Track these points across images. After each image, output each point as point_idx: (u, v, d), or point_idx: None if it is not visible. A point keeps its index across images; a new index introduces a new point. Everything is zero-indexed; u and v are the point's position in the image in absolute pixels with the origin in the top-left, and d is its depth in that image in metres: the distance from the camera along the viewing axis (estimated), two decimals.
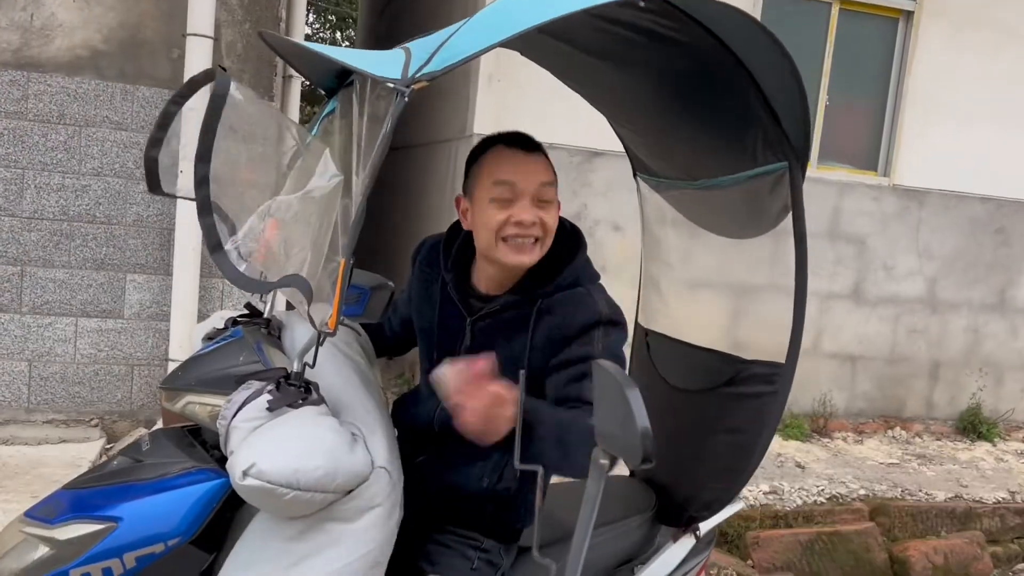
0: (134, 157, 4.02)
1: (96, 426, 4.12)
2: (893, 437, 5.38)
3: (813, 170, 5.27)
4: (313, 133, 1.93)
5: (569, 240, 1.77)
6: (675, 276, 2.40)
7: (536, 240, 1.67)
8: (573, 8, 1.33)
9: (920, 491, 4.42)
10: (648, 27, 1.60)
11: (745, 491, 4.13)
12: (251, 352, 1.73)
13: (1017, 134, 5.42)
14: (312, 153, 1.86)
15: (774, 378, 1.93)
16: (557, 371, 1.65)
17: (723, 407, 2.05)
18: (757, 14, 4.95)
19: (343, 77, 1.81)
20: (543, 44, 1.85)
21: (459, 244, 1.83)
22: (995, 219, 5.53)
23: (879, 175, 5.41)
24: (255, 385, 1.57)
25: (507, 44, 1.50)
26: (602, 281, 1.81)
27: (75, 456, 3.88)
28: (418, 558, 1.78)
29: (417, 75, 1.30)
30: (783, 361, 1.91)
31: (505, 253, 1.67)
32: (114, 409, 4.15)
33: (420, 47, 1.51)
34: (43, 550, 1.60)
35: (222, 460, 1.59)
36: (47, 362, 4.03)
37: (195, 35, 3.89)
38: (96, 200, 4.00)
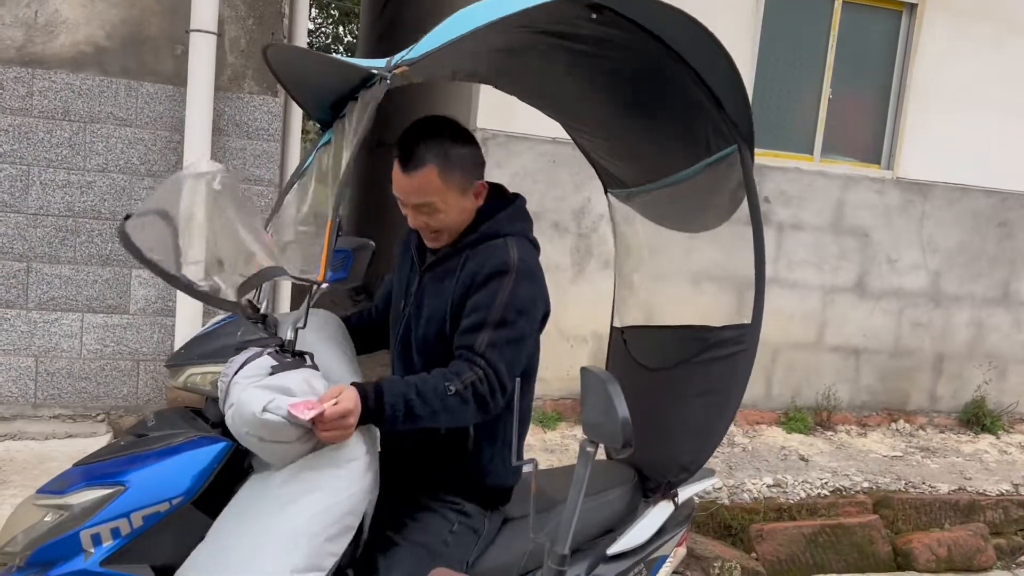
0: (139, 153, 4.03)
1: (102, 421, 4.14)
2: (897, 430, 5.38)
3: (817, 162, 5.26)
4: (310, 161, 2.03)
5: (500, 200, 1.92)
6: (646, 271, 2.56)
7: (435, 232, 1.85)
8: (530, 4, 1.51)
9: (924, 483, 4.43)
10: (597, 35, 1.76)
11: (749, 484, 4.15)
12: (248, 328, 1.87)
13: (1021, 127, 5.41)
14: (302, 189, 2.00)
15: (743, 338, 2.11)
16: (461, 319, 1.79)
17: (697, 374, 2.21)
18: (759, 12, 4.94)
19: (338, 108, 1.97)
20: (508, 70, 2.04)
21: None
22: (999, 212, 5.52)
23: (882, 168, 5.40)
24: (254, 349, 1.71)
25: (482, 80, 1.99)
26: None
27: (82, 451, 3.87)
28: (396, 526, 1.86)
29: (401, 60, 1.51)
30: (749, 322, 2.11)
31: (424, 236, 1.89)
32: (120, 404, 4.17)
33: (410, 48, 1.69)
34: (55, 516, 1.72)
35: (223, 433, 1.75)
36: (53, 357, 4.05)
37: (199, 31, 3.90)
38: (101, 196, 4.01)
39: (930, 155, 5.34)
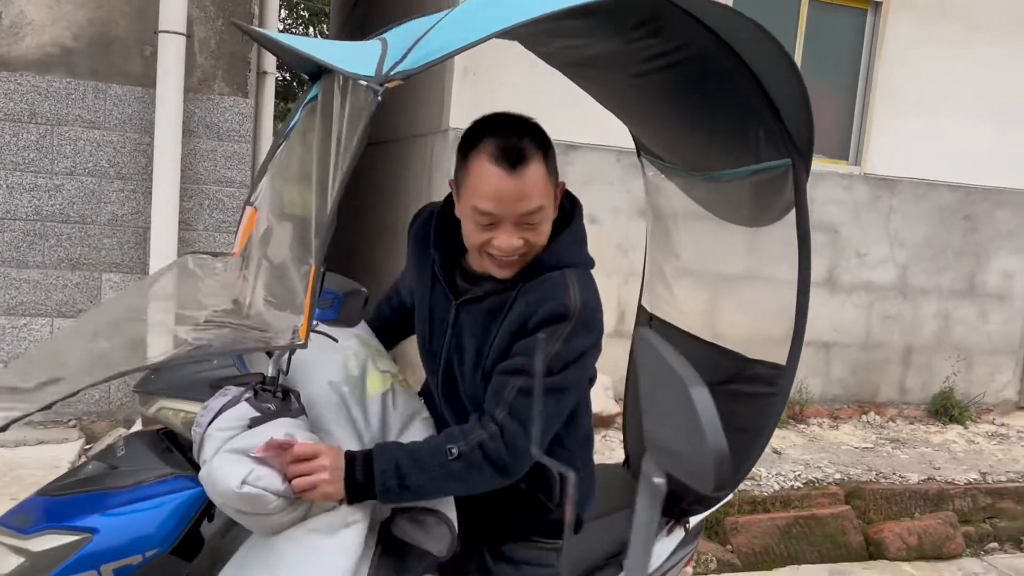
0: (107, 156, 3.99)
1: (74, 427, 4.10)
2: (868, 422, 5.47)
3: None
4: (295, 120, 1.91)
5: (563, 216, 1.64)
6: (680, 266, 2.34)
7: (521, 256, 1.57)
8: (558, 7, 1.31)
9: (894, 474, 4.50)
10: (650, 32, 1.59)
11: None
12: (223, 359, 1.73)
13: (984, 123, 5.52)
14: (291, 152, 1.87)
15: (775, 379, 1.91)
16: (499, 362, 1.56)
17: (722, 404, 2.03)
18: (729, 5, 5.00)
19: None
20: (544, 42, 1.80)
21: (453, 219, 1.69)
22: (963, 206, 5.63)
23: (850, 164, 5.49)
24: (231, 392, 1.55)
25: (505, 36, 1.42)
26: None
27: (54, 457, 3.85)
28: None
29: (391, 73, 1.27)
30: (784, 363, 1.89)
31: (487, 265, 1.59)
32: (92, 410, 4.13)
33: (397, 39, 1.48)
34: (17, 560, 1.58)
35: (198, 466, 1.56)
36: None
37: (168, 32, 3.87)
38: (70, 200, 3.96)
39: (897, 151, 5.43)
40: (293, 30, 18.14)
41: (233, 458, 1.44)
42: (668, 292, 2.40)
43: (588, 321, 1.54)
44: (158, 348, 1.71)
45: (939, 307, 5.63)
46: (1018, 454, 5.10)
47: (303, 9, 17.48)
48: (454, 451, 1.48)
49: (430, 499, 1.53)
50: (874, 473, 4.50)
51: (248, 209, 1.96)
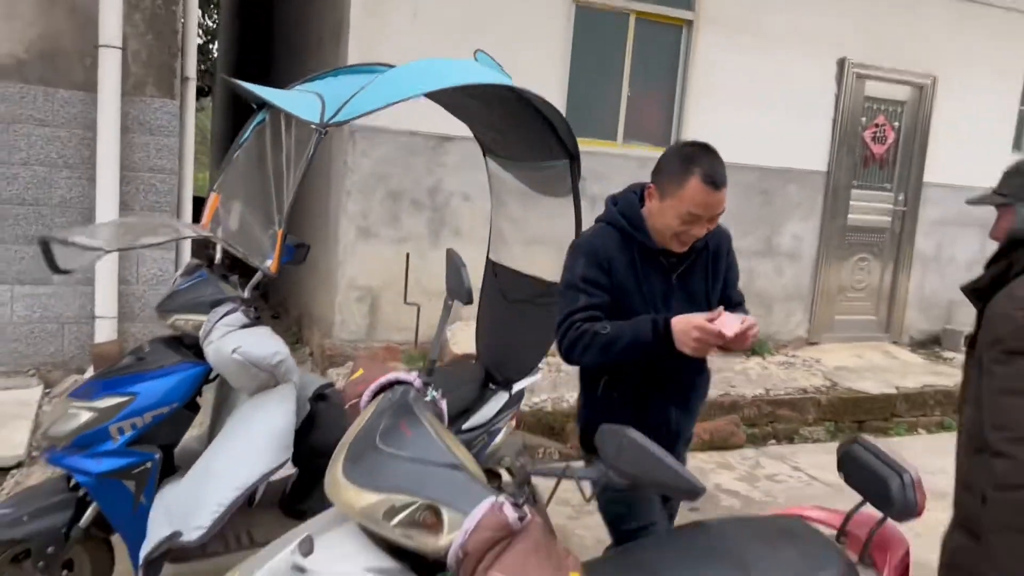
0: (56, 149, 4.78)
1: (33, 376, 4.90)
2: None
3: (620, 147, 6.59)
4: (247, 135, 2.96)
5: None
6: (512, 226, 3.49)
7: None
8: (444, 85, 2.51)
9: None
10: (491, 93, 2.79)
11: (567, 396, 5.42)
12: (216, 287, 2.79)
13: (775, 116, 6.92)
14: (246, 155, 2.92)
15: None
16: (725, 281, 2.49)
17: (536, 310, 3.29)
18: (570, 26, 6.17)
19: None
20: (436, 95, 2.93)
21: (636, 218, 2.35)
22: (761, 183, 7.05)
23: None
24: (230, 305, 2.64)
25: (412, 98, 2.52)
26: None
27: (19, 399, 4.66)
28: None
29: (330, 121, 2.34)
30: None
31: (673, 244, 2.28)
32: (48, 361, 4.94)
33: (331, 92, 2.55)
34: (88, 415, 2.60)
35: (199, 356, 2.65)
36: None
37: (106, 46, 4.69)
38: (25, 186, 4.74)
39: (707, 139, 6.74)
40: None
41: (230, 337, 2.53)
42: (504, 245, 3.58)
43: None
44: (156, 238, 2.80)
45: (744, 264, 6.97)
46: (798, 375, 6.59)
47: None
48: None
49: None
50: None
51: (212, 194, 3.02)
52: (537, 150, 3.15)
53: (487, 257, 3.67)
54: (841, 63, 7.12)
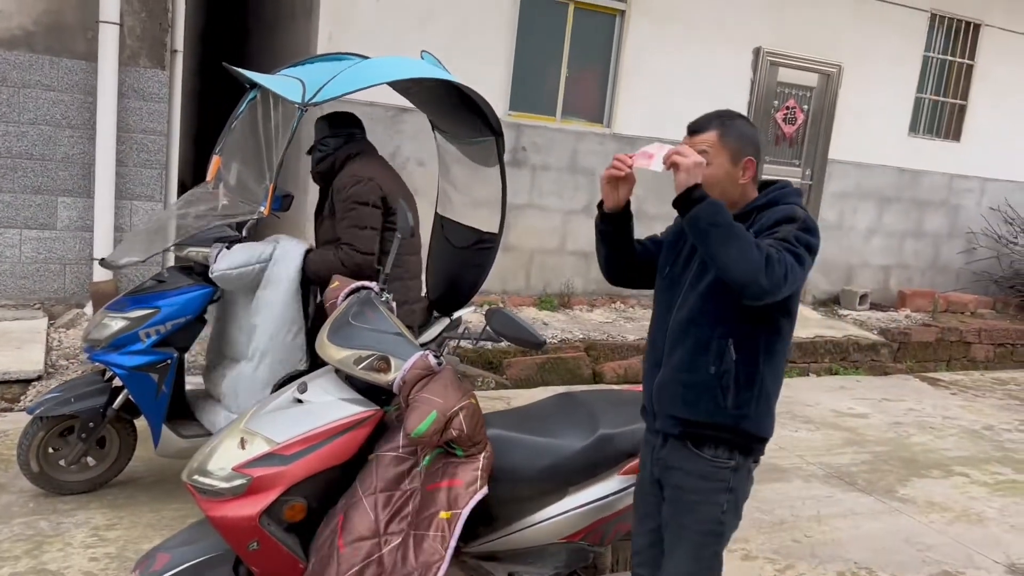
0: (61, 111, 5.47)
1: (39, 309, 5.63)
2: (615, 308, 7.78)
3: (558, 122, 7.43)
4: (242, 109, 3.75)
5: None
6: (455, 187, 4.34)
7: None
8: (400, 77, 3.40)
9: (619, 336, 6.79)
10: (435, 85, 3.61)
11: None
12: (220, 230, 3.61)
13: (697, 97, 7.78)
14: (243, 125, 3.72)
15: (493, 240, 4.03)
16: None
17: (474, 254, 4.15)
18: (515, 14, 6.96)
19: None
20: (400, 84, 3.74)
21: None
22: None
23: (604, 126, 7.65)
24: (229, 240, 3.47)
25: (380, 84, 3.40)
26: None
27: (30, 328, 5.39)
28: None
29: (309, 101, 3.13)
30: (496, 232, 4.01)
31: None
32: (52, 296, 5.67)
33: (311, 77, 3.34)
34: (122, 323, 3.42)
35: (208, 282, 3.48)
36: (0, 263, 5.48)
37: (105, 22, 5.38)
38: (33, 143, 5.44)
39: (636, 117, 7.63)
40: None
41: (226, 258, 3.37)
42: (450, 202, 4.42)
43: (812, 227, 2.09)
44: (177, 237, 3.62)
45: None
46: None
47: None
48: (758, 242, 1.95)
49: (713, 243, 1.97)
50: (606, 336, 6.76)
51: (215, 156, 3.81)
52: (470, 128, 3.99)
53: (435, 211, 4.51)
54: (757, 51, 8.04)
